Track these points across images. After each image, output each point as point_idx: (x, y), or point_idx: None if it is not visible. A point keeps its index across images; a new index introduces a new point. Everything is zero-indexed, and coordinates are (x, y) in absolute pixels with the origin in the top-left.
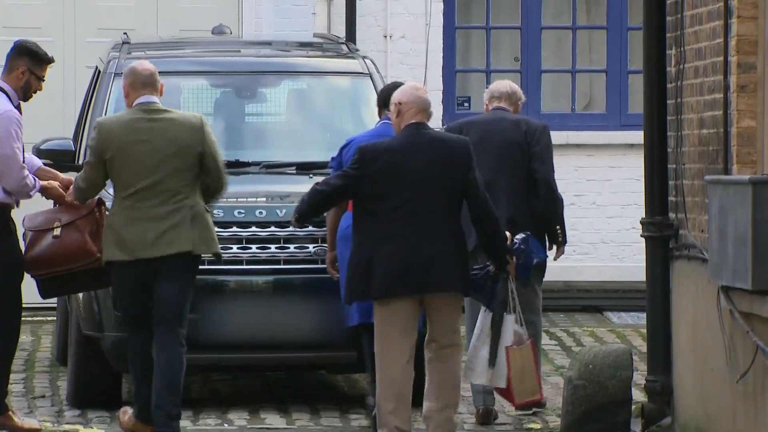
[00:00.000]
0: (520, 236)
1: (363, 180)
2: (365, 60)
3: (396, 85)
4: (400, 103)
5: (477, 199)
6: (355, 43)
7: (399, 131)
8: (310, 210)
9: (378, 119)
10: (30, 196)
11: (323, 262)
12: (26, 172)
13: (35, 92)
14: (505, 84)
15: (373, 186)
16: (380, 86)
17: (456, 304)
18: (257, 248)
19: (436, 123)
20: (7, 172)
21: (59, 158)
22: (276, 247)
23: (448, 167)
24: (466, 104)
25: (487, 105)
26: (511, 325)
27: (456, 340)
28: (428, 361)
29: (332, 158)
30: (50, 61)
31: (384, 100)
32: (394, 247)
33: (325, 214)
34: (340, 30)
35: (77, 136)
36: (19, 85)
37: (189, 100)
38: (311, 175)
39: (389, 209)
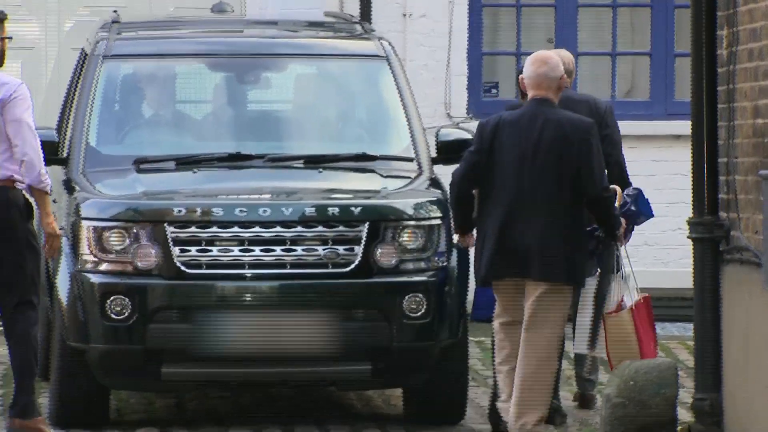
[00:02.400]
0: (630, 192)
1: (483, 155)
2: (382, 41)
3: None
4: (521, 78)
5: (591, 190)
6: (370, 23)
7: (523, 104)
8: (458, 211)
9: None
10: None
11: (334, 266)
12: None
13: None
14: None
15: (487, 162)
16: (398, 71)
17: (557, 293)
18: (261, 250)
19: (460, 111)
20: (30, 167)
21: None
22: (282, 250)
23: (560, 148)
24: (494, 90)
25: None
26: (614, 291)
27: (548, 329)
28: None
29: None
30: (4, 17)
31: None
32: (499, 228)
33: None
34: (353, 8)
35: (61, 126)
36: None
37: (186, 85)
38: (321, 170)
39: (498, 188)
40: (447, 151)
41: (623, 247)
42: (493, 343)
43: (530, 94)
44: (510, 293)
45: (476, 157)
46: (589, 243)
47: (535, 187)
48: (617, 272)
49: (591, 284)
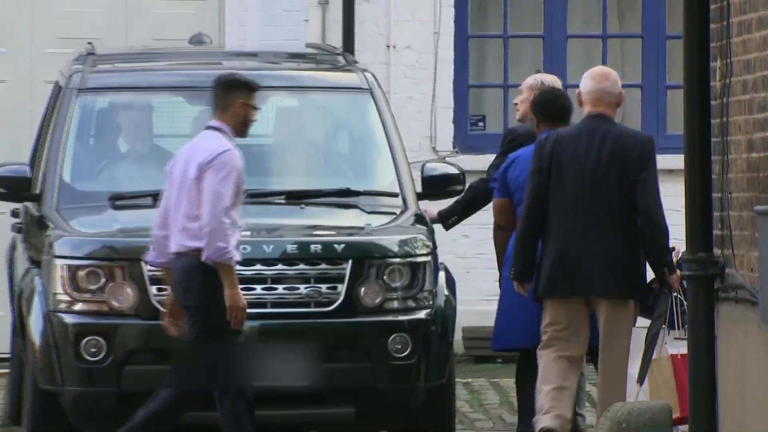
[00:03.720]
0: None
1: (544, 174)
2: (365, 73)
3: (546, 91)
4: (579, 93)
5: (640, 203)
6: (353, 54)
7: (581, 121)
8: (522, 250)
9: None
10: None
11: (316, 305)
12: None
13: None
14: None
15: (548, 181)
16: (382, 104)
17: (621, 309)
18: (241, 289)
19: (446, 145)
20: (213, 236)
21: (14, 186)
22: (262, 288)
23: (618, 165)
24: (481, 123)
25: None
26: (662, 341)
27: (616, 347)
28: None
29: (493, 178)
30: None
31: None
32: (557, 245)
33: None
34: (336, 39)
35: (34, 162)
36: (238, 120)
37: (163, 119)
38: (303, 206)
39: (554, 204)
40: (432, 187)
41: (676, 297)
42: (519, 372)
43: (588, 109)
44: (565, 313)
45: (538, 177)
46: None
47: (597, 203)
48: (675, 323)
49: (641, 333)
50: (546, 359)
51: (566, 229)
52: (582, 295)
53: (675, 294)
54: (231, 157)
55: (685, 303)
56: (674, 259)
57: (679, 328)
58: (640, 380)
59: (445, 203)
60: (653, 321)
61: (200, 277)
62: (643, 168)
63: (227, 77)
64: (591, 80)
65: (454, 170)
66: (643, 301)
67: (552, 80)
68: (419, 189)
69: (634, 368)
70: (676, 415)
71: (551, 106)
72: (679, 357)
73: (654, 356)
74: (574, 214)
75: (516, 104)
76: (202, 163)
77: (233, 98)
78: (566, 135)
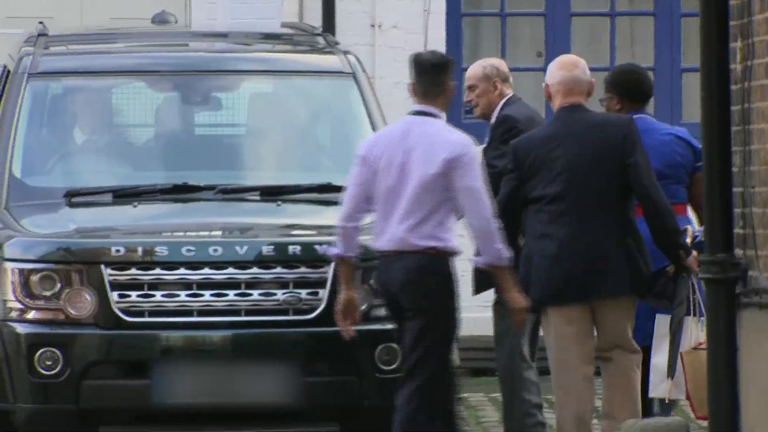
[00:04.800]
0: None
1: (522, 177)
2: (347, 56)
3: (631, 69)
4: (547, 85)
5: (639, 188)
6: (334, 35)
7: (554, 115)
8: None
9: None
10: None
11: (295, 313)
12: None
13: None
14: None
15: (530, 182)
16: (367, 89)
17: (627, 306)
18: (211, 295)
19: None
20: (487, 239)
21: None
22: (235, 294)
23: (606, 153)
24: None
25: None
26: (690, 328)
27: (629, 345)
28: (603, 374)
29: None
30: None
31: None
32: (552, 249)
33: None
34: (315, 18)
35: None
36: (447, 104)
37: (123, 106)
38: (279, 203)
39: (545, 205)
40: None
41: (696, 282)
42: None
43: (560, 101)
44: (573, 321)
45: (515, 182)
46: (656, 284)
47: (590, 199)
48: (695, 310)
49: (664, 321)
50: (566, 377)
51: (552, 231)
52: (587, 299)
53: (694, 277)
54: (476, 150)
55: (697, 288)
56: (687, 240)
57: (695, 314)
58: (671, 373)
59: None
60: (675, 309)
61: (440, 279)
62: (631, 151)
63: (440, 58)
64: (560, 69)
65: None
66: (645, 289)
67: (500, 63)
68: None
69: (657, 357)
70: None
71: (640, 87)
72: None
73: (686, 347)
74: (559, 215)
75: (470, 101)
76: (450, 159)
77: (447, 80)
78: (541, 136)
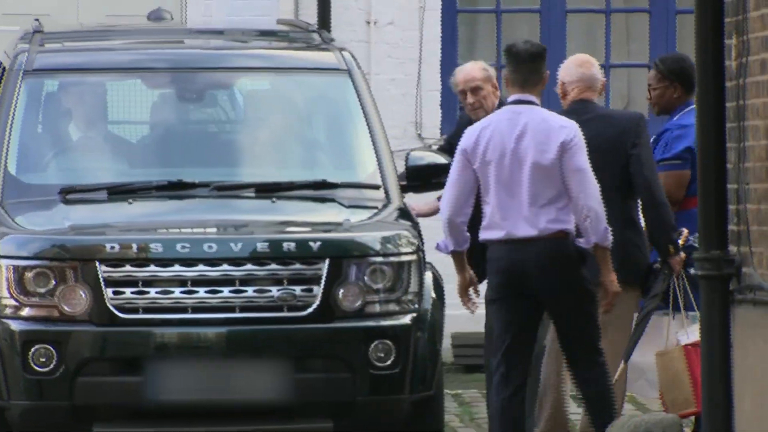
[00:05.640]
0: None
1: None
2: (343, 53)
3: (684, 57)
4: (563, 83)
5: (638, 178)
6: (330, 32)
7: (564, 109)
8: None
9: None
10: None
11: (290, 309)
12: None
13: None
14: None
15: None
16: (362, 86)
17: (627, 299)
18: (206, 292)
19: (433, 132)
20: (596, 220)
21: None
22: (230, 291)
23: (612, 145)
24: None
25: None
26: (666, 328)
27: (610, 337)
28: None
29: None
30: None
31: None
32: None
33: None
34: (310, 15)
35: None
36: (541, 94)
37: (119, 103)
38: (274, 200)
39: None
40: (418, 178)
41: (682, 282)
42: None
43: (575, 96)
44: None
45: None
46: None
47: (603, 191)
48: (672, 306)
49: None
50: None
51: None
52: None
53: (676, 277)
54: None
55: (687, 283)
56: (680, 242)
57: (680, 310)
58: (626, 358)
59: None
60: (647, 300)
61: (576, 261)
62: (636, 144)
63: (537, 47)
64: (579, 67)
65: (442, 160)
66: (641, 282)
67: (486, 65)
68: (404, 181)
69: (634, 355)
70: (690, 409)
71: (693, 76)
72: (691, 347)
73: (662, 348)
74: None
75: (471, 103)
76: (565, 143)
77: (544, 69)
78: None
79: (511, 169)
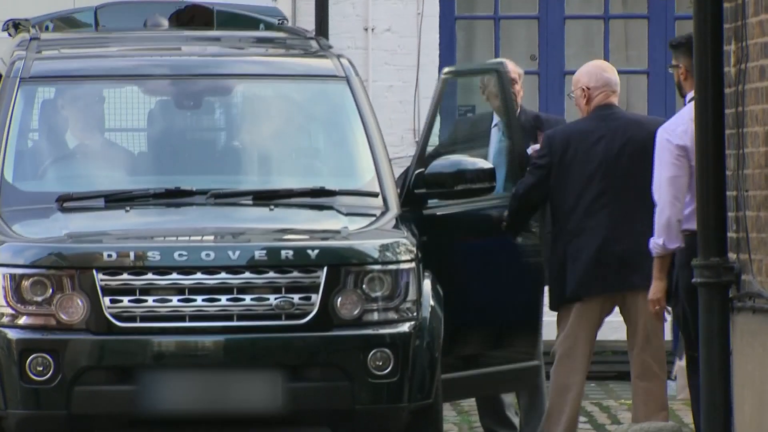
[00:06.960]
0: None
1: (553, 170)
2: (340, 59)
3: None
4: (588, 88)
5: None
6: (327, 38)
7: (588, 114)
8: (512, 218)
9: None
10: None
11: (287, 317)
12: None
13: None
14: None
15: (564, 175)
16: (360, 93)
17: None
18: (204, 300)
19: (431, 139)
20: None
21: None
22: (228, 299)
23: (643, 151)
24: (470, 114)
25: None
26: None
27: (661, 350)
28: (633, 377)
29: None
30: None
31: None
32: (587, 241)
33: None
34: (308, 22)
35: None
36: None
37: (116, 111)
38: (272, 207)
39: (581, 199)
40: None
41: None
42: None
43: (601, 101)
44: (594, 317)
45: (542, 171)
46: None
47: (630, 193)
48: None
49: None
50: (565, 372)
51: (588, 225)
52: (616, 291)
53: None
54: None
55: None
56: None
57: None
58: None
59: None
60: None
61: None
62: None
63: (690, 39)
64: (605, 72)
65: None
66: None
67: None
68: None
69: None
70: None
71: None
72: None
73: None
74: (596, 209)
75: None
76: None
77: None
78: (580, 130)
79: (689, 166)
